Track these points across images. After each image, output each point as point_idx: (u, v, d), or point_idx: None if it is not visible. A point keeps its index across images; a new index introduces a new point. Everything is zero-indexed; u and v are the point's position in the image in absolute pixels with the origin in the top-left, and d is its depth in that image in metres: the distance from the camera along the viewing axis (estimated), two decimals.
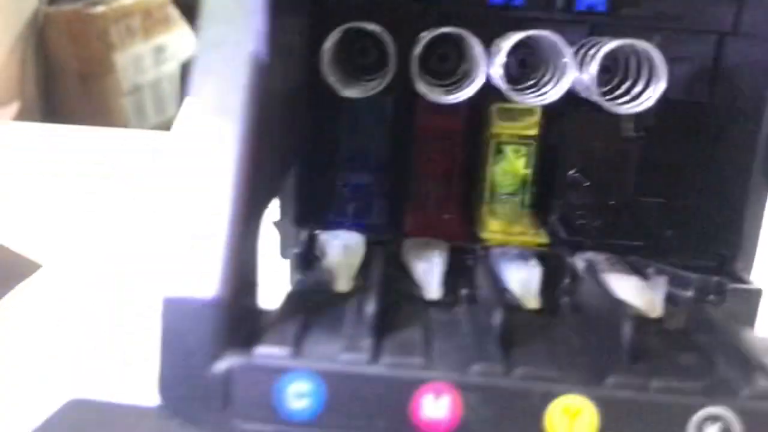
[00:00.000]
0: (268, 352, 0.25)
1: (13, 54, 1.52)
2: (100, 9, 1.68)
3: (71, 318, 0.43)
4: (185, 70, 1.68)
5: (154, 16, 1.74)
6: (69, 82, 1.72)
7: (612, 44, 0.36)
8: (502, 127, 0.44)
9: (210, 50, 0.27)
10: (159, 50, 1.72)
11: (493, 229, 0.42)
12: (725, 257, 0.39)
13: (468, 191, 0.46)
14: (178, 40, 1.73)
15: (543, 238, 0.42)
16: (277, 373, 0.25)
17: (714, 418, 0.24)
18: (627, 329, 0.26)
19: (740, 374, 0.26)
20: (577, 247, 0.41)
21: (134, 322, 0.43)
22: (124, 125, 1.64)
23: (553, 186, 0.45)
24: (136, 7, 1.76)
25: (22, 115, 1.46)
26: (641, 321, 0.32)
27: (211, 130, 0.26)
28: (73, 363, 0.39)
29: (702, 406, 0.24)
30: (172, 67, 1.71)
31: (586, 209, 0.44)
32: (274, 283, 0.34)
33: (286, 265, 0.40)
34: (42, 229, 0.54)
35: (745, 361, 0.26)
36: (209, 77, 0.27)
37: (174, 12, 1.72)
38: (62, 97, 1.72)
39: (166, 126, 1.65)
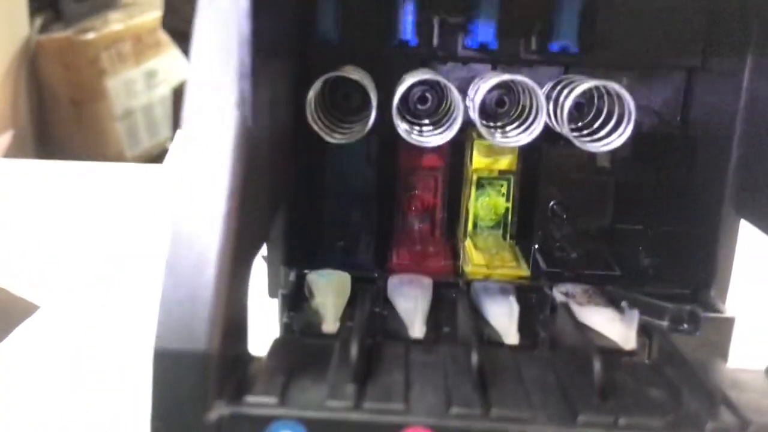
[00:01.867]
0: (256, 401, 0.27)
1: (6, 82, 1.54)
2: (90, 36, 1.70)
3: (71, 360, 0.45)
4: (177, 93, 1.70)
5: (145, 41, 1.76)
6: (62, 108, 1.73)
7: (582, 86, 0.38)
8: (482, 163, 0.45)
9: (197, 115, 0.28)
10: (150, 75, 1.74)
11: (476, 262, 0.44)
12: (700, 286, 0.41)
13: (452, 226, 0.48)
14: (169, 64, 1.75)
15: (524, 271, 0.43)
16: (265, 421, 0.26)
17: None
18: (597, 368, 0.28)
19: (705, 408, 0.27)
20: (558, 278, 0.42)
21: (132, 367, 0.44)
22: (118, 149, 1.65)
23: (533, 218, 0.47)
24: (126, 33, 1.77)
25: (16, 142, 1.47)
26: (614, 355, 0.34)
27: (199, 192, 0.28)
28: (73, 404, 0.40)
29: None
30: (163, 90, 1.73)
31: (565, 240, 0.45)
32: (264, 321, 0.35)
33: (274, 304, 0.41)
34: (38, 268, 0.56)
35: (710, 395, 0.28)
36: (195, 143, 0.28)
37: (164, 37, 1.74)
38: (55, 123, 1.73)
39: (159, 148, 1.66)
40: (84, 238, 0.61)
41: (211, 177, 0.28)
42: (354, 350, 0.28)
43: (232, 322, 0.28)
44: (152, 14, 1.71)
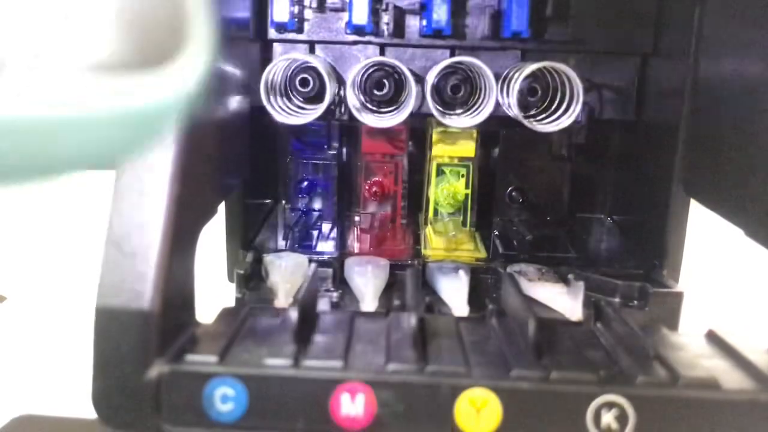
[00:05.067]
0: (196, 359, 0.27)
1: None
2: None
3: (35, 345, 0.45)
4: None
5: None
6: None
7: (530, 68, 0.39)
8: (442, 150, 0.46)
9: None
10: None
11: (435, 246, 0.45)
12: (653, 265, 0.41)
13: (413, 213, 0.48)
14: None
15: (481, 253, 0.44)
16: (203, 378, 0.27)
17: (610, 405, 0.26)
18: (532, 327, 0.28)
19: (638, 365, 0.28)
20: (514, 260, 0.43)
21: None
22: None
23: (492, 204, 0.47)
24: None
25: None
26: (559, 323, 0.34)
27: (144, 157, 0.28)
28: (33, 383, 0.40)
29: (598, 394, 0.26)
30: None
31: (523, 225, 0.46)
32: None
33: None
34: (6, 261, 0.56)
35: (644, 353, 0.28)
36: None
37: None
38: None
39: None
40: (58, 233, 0.61)
41: (156, 148, 0.29)
42: (294, 314, 0.29)
43: (177, 287, 0.29)
44: None
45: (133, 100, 0.13)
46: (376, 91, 0.43)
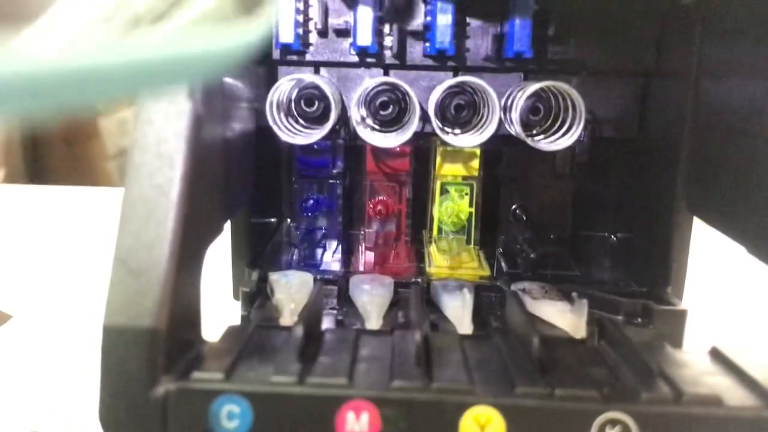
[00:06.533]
0: (202, 377, 0.27)
1: None
2: None
3: (42, 363, 0.45)
4: None
5: None
6: (54, 147, 1.75)
7: (534, 87, 0.39)
8: (446, 169, 0.46)
9: (151, 101, 0.29)
10: None
11: (439, 264, 0.45)
12: (657, 283, 0.42)
13: (417, 231, 0.49)
14: None
15: (485, 271, 0.44)
16: (210, 396, 0.27)
17: (614, 422, 0.26)
18: (535, 344, 0.28)
19: (642, 382, 0.28)
20: (518, 278, 0.43)
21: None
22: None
23: (496, 222, 0.48)
24: None
25: (8, 181, 1.48)
26: (563, 340, 0.34)
27: (151, 176, 0.29)
28: (40, 401, 0.40)
29: (602, 411, 0.26)
30: None
31: (527, 243, 0.46)
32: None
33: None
34: (14, 281, 0.57)
35: (648, 370, 0.28)
36: (150, 127, 0.29)
37: None
38: (48, 161, 1.74)
39: None
40: (65, 255, 0.62)
41: (162, 165, 0.29)
42: (299, 332, 0.29)
43: (183, 305, 0.29)
44: None
45: (229, 39, 0.18)
46: (380, 111, 0.43)
